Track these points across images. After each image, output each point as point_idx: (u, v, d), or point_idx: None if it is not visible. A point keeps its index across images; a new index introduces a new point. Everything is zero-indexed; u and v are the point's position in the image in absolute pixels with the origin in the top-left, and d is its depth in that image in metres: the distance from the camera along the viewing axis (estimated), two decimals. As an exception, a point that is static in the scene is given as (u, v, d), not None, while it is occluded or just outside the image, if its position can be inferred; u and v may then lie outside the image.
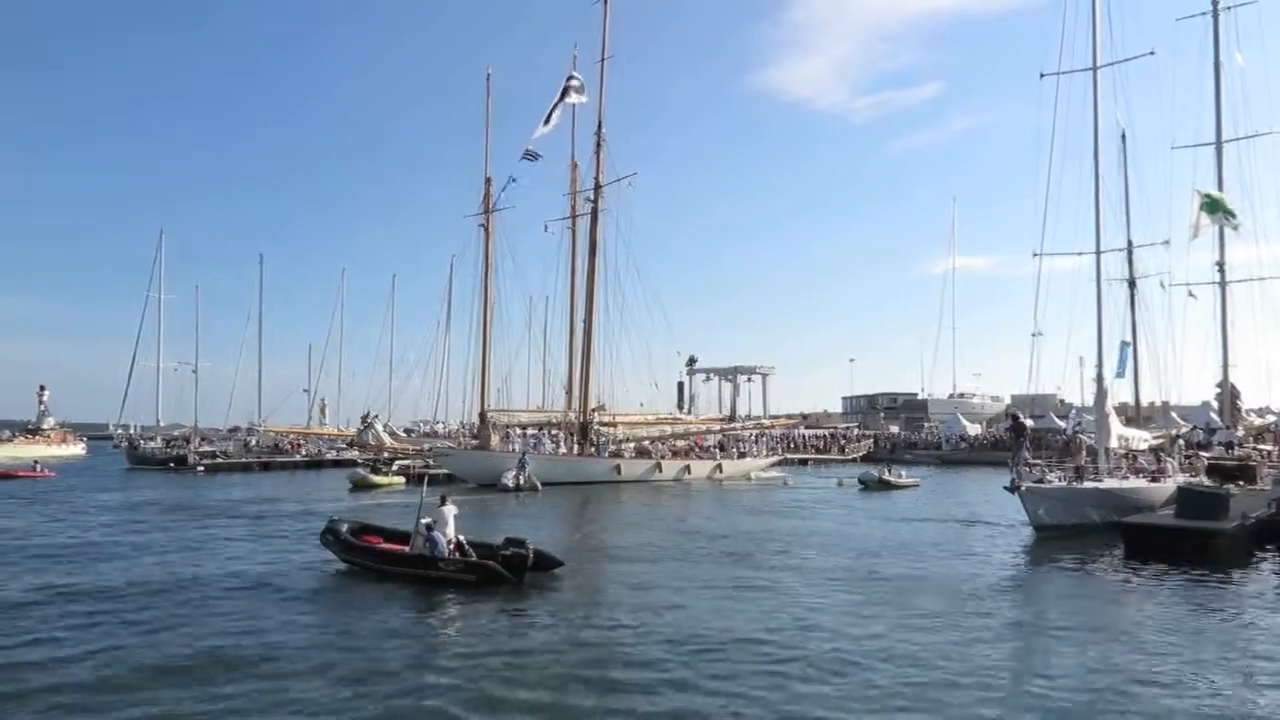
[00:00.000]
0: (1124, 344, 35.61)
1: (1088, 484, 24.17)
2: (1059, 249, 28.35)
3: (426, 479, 22.94)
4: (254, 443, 63.19)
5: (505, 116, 69.73)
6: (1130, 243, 37.25)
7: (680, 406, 71.63)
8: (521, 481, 38.53)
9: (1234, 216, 30.40)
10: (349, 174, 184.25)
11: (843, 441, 73.22)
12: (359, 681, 9.83)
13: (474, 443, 46.67)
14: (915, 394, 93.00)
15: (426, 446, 47.60)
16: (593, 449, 46.81)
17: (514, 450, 43.09)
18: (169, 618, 12.96)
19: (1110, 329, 29.41)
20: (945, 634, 12.06)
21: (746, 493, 40.01)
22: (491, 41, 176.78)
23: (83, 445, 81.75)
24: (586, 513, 31.10)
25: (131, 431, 66.65)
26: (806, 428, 75.06)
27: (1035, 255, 27.86)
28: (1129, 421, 36.47)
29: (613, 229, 48.10)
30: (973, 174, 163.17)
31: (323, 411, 71.63)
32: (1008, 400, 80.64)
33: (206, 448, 60.44)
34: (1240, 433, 34.78)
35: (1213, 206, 29.79)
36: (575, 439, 47.47)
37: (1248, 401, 39.46)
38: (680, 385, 78.86)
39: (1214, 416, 37.68)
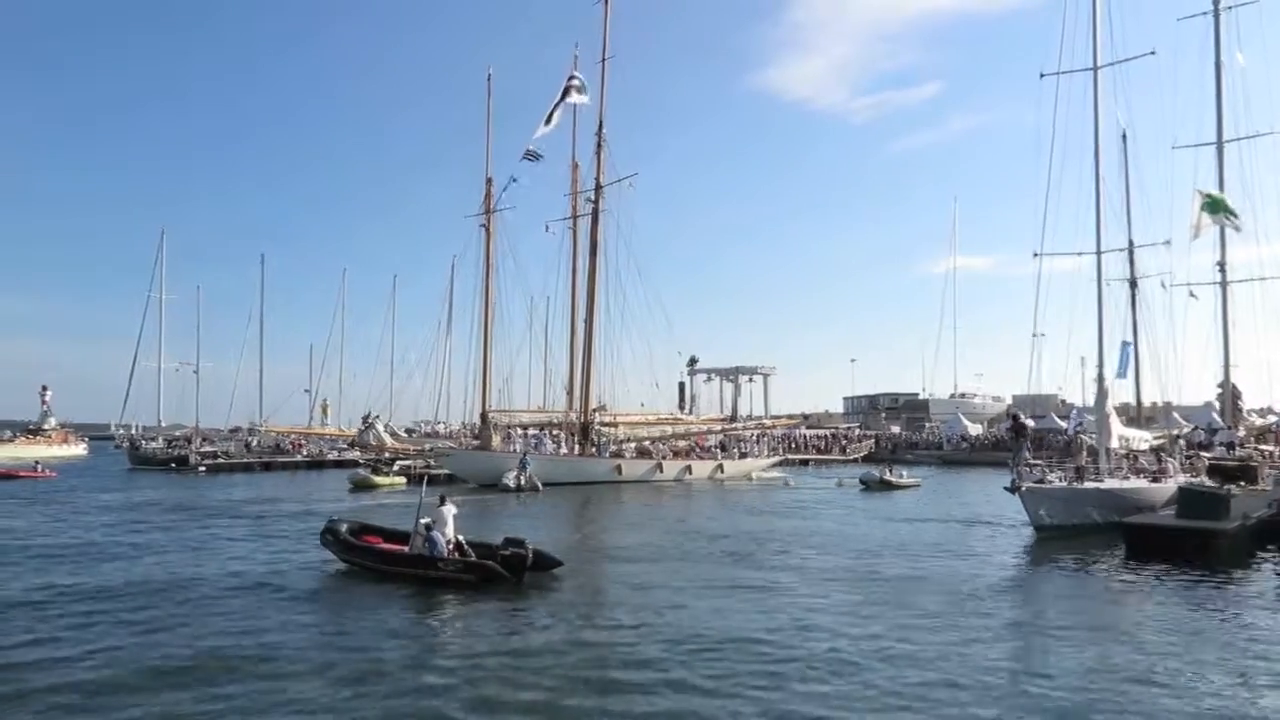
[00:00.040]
0: (1125, 344, 35.59)
1: (1088, 484, 24.15)
2: (1060, 249, 28.35)
3: (426, 479, 22.98)
4: (255, 443, 63.33)
5: (506, 116, 70.11)
6: (1131, 243, 37.24)
7: (681, 407, 71.62)
8: (522, 482, 38.55)
9: (1235, 216, 30.37)
10: (350, 174, 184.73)
11: (844, 442, 73.21)
12: (357, 682, 9.84)
13: (475, 443, 46.68)
14: (916, 394, 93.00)
15: (427, 447, 47.63)
16: (594, 449, 46.81)
17: (515, 450, 43.10)
18: (169, 617, 12.98)
19: (1111, 329, 29.42)
20: (945, 634, 12.05)
21: (747, 493, 39.99)
22: (492, 41, 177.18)
23: (84, 445, 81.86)
24: (587, 513, 31.10)
25: (133, 432, 66.74)
26: (808, 428, 75.07)
27: (1036, 255, 27.86)
28: (1130, 422, 36.46)
29: (614, 229, 48.20)
30: (973, 174, 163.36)
31: (324, 412, 71.76)
32: (1009, 400, 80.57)
33: (208, 448, 60.56)
34: (1241, 433, 34.74)
35: (1214, 206, 29.77)
36: (576, 439, 47.47)
37: (1249, 402, 39.47)
38: (681, 385, 78.93)
39: (1215, 417, 37.62)
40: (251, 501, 33.32)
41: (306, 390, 71.90)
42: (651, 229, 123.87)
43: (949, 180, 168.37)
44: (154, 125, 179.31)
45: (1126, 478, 25.74)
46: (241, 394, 68.31)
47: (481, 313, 47.89)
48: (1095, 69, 26.32)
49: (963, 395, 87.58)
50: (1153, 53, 27.28)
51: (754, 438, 58.13)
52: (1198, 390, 41.04)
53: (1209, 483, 23.78)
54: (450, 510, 16.31)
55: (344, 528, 17.49)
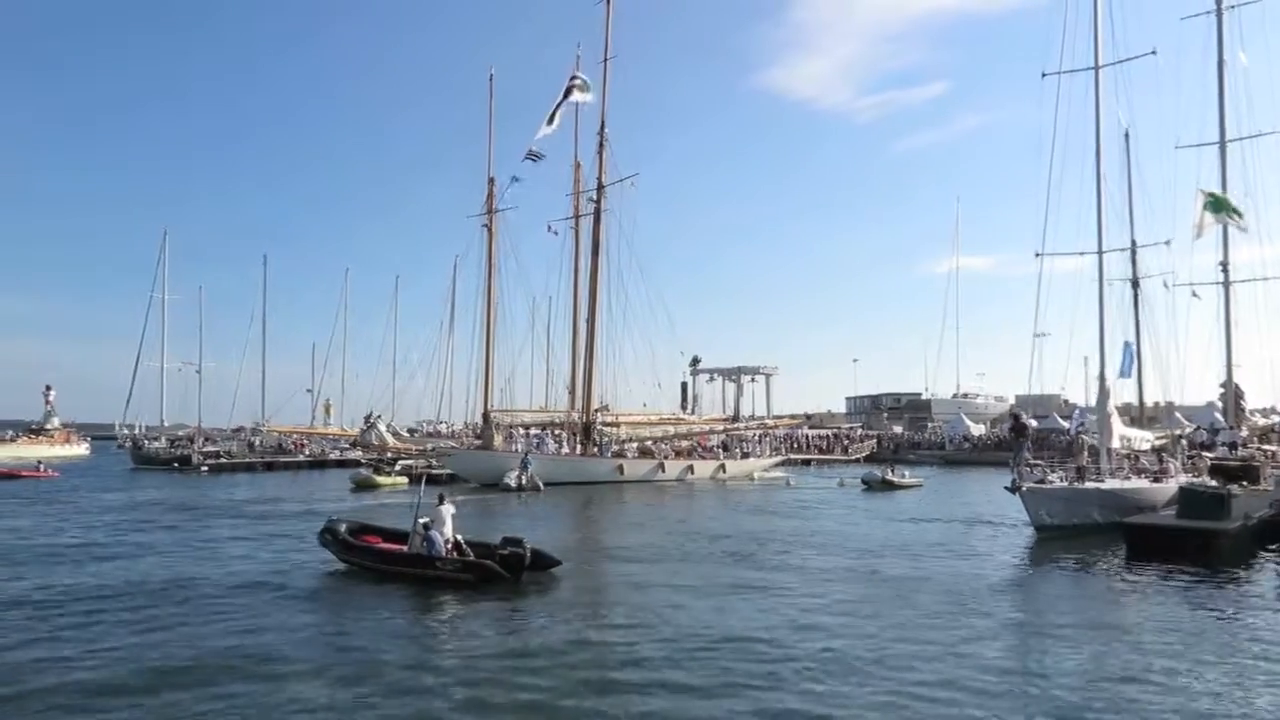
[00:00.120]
0: (1127, 344, 35.47)
1: (1089, 484, 24.12)
2: (1062, 249, 28.32)
3: (425, 478, 22.99)
4: (258, 443, 63.40)
5: (507, 116, 70.10)
6: (1134, 242, 37.11)
7: (684, 407, 71.70)
8: (524, 481, 38.59)
9: (1240, 215, 30.28)
10: (351, 174, 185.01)
11: (846, 442, 73.23)
12: (355, 682, 9.84)
13: (477, 443, 46.72)
14: (919, 394, 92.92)
15: (429, 446, 47.71)
16: (596, 449, 46.83)
17: (517, 450, 43.12)
18: (169, 617, 13.00)
19: (1113, 329, 29.33)
20: (945, 634, 12.03)
21: (749, 493, 40.00)
22: (493, 41, 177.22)
23: (86, 445, 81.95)
24: (588, 513, 31.10)
25: (136, 432, 66.86)
26: (810, 428, 75.07)
27: (1037, 255, 27.82)
28: (1133, 422, 36.36)
29: (615, 229, 48.22)
30: (976, 174, 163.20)
31: (328, 411, 71.84)
32: (1011, 400, 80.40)
33: (210, 448, 60.68)
34: (1244, 433, 34.62)
35: (1216, 205, 29.68)
36: (578, 439, 47.50)
37: (1252, 402, 39.31)
38: (684, 385, 78.98)
39: (1218, 417, 37.53)
40: (253, 501, 33.36)
41: (309, 390, 72.05)
42: (654, 229, 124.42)
43: (952, 180, 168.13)
44: (154, 125, 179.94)
45: (1128, 478, 25.71)
46: (244, 394, 68.58)
47: (484, 312, 48.02)
48: (1097, 68, 26.29)
49: (965, 395, 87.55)
50: (1153, 52, 27.23)
51: (756, 438, 58.15)
52: (1200, 390, 40.94)
53: (1211, 483, 23.73)
54: (448, 510, 16.32)
55: (343, 528, 17.50)
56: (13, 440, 76.78)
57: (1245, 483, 23.96)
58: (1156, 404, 42.16)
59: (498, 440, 45.14)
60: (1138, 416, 39.40)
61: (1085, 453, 27.49)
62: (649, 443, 49.64)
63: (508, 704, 9.20)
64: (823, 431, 76.66)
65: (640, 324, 48.24)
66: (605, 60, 47.77)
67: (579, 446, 47.06)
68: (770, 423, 66.93)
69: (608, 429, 48.55)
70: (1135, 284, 38.30)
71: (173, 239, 66.29)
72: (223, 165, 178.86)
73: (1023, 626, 12.98)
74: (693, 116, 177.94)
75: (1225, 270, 33.88)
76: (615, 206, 48.11)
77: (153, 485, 42.17)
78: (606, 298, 48.04)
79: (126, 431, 67.08)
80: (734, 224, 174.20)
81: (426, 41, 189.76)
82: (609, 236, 48.24)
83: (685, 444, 51.36)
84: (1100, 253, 26.67)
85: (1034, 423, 36.45)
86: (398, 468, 43.86)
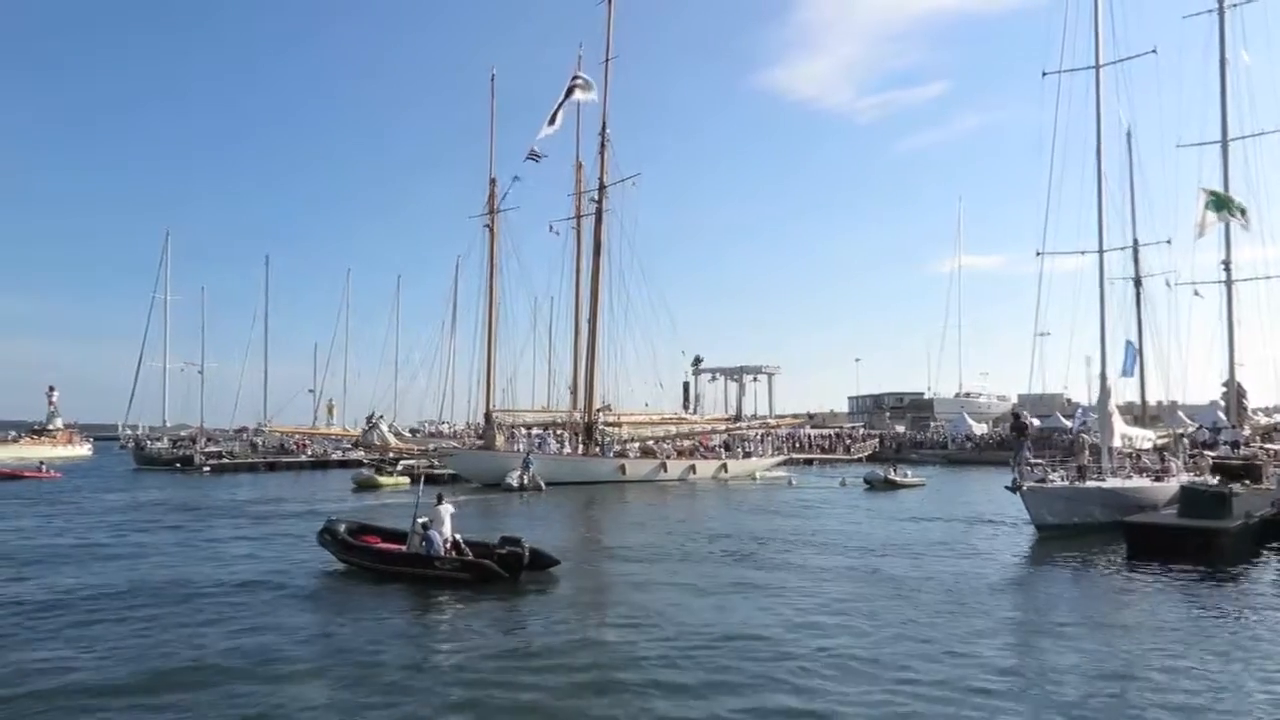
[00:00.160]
0: (1129, 343, 35.41)
1: (1090, 483, 24.08)
2: (1064, 248, 28.30)
3: (423, 478, 23.02)
4: (260, 443, 63.46)
5: (509, 116, 69.98)
6: (1136, 241, 37.00)
7: (686, 406, 71.66)
8: (526, 481, 38.59)
9: (1243, 213, 30.19)
10: (352, 174, 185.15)
11: (848, 441, 73.22)
12: (354, 682, 9.85)
13: (479, 443, 46.74)
14: (921, 394, 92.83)
15: (431, 447, 47.72)
16: (598, 449, 46.83)
17: (519, 450, 43.14)
18: (169, 617, 13.00)
19: (1115, 328, 29.31)
20: (946, 632, 12.02)
21: (751, 492, 39.97)
22: (494, 41, 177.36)
23: (89, 446, 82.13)
24: (589, 512, 31.09)
25: (138, 432, 66.97)
26: (812, 427, 75.06)
27: (1038, 254, 27.79)
28: (1136, 421, 36.30)
29: (617, 229, 48.24)
30: (979, 173, 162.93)
31: (330, 411, 71.91)
32: (1014, 399, 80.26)
33: (213, 448, 60.80)
34: (1247, 432, 34.55)
35: (1218, 204, 29.61)
36: (580, 439, 47.51)
37: (1254, 400, 39.15)
38: (686, 385, 78.95)
39: (1220, 415, 37.44)
40: (255, 502, 33.39)
41: (310, 390, 72.19)
42: (656, 228, 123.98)
43: (955, 180, 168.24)
44: (154, 125, 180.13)
45: (1129, 477, 25.67)
46: (246, 394, 68.70)
47: (486, 313, 48.03)
48: (1097, 67, 26.27)
49: (967, 395, 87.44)
50: (1154, 51, 27.20)
51: (758, 437, 58.19)
52: (1203, 389, 40.85)
53: (1212, 482, 23.68)
54: (447, 509, 16.32)
55: (342, 528, 17.52)
56: (15, 441, 76.96)
57: (1247, 481, 23.89)
58: (1159, 403, 42.05)
59: (500, 440, 45.17)
60: (1140, 415, 39.33)
61: (1086, 452, 27.42)
62: (651, 442, 49.63)
63: (505, 703, 9.18)
64: (825, 431, 76.67)
65: (642, 324, 48.37)
66: (607, 60, 47.87)
67: (581, 446, 47.07)
68: (772, 422, 66.98)
69: (610, 429, 48.56)
70: (1137, 283, 38.21)
71: (174, 239, 66.55)
72: (224, 165, 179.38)
73: (1023, 625, 12.96)
74: (694, 116, 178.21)
75: (1227, 269, 33.81)
76: (617, 206, 48.23)
77: (155, 486, 42.23)
78: (608, 297, 48.14)
79: (129, 432, 67.17)
80: (736, 224, 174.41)
81: (427, 41, 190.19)
82: (611, 236, 48.35)
83: (687, 444, 51.34)
84: (1101, 251, 26.65)
85: (1035, 422, 36.45)
86: (399, 468, 43.86)
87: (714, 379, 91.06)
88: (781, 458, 55.83)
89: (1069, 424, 56.18)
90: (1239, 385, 35.21)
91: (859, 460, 65.68)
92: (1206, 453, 30.23)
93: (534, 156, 46.67)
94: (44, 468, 49.60)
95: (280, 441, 62.52)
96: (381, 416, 48.76)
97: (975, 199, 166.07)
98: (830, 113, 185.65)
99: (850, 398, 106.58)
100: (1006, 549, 21.05)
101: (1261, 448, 31.18)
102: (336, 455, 59.99)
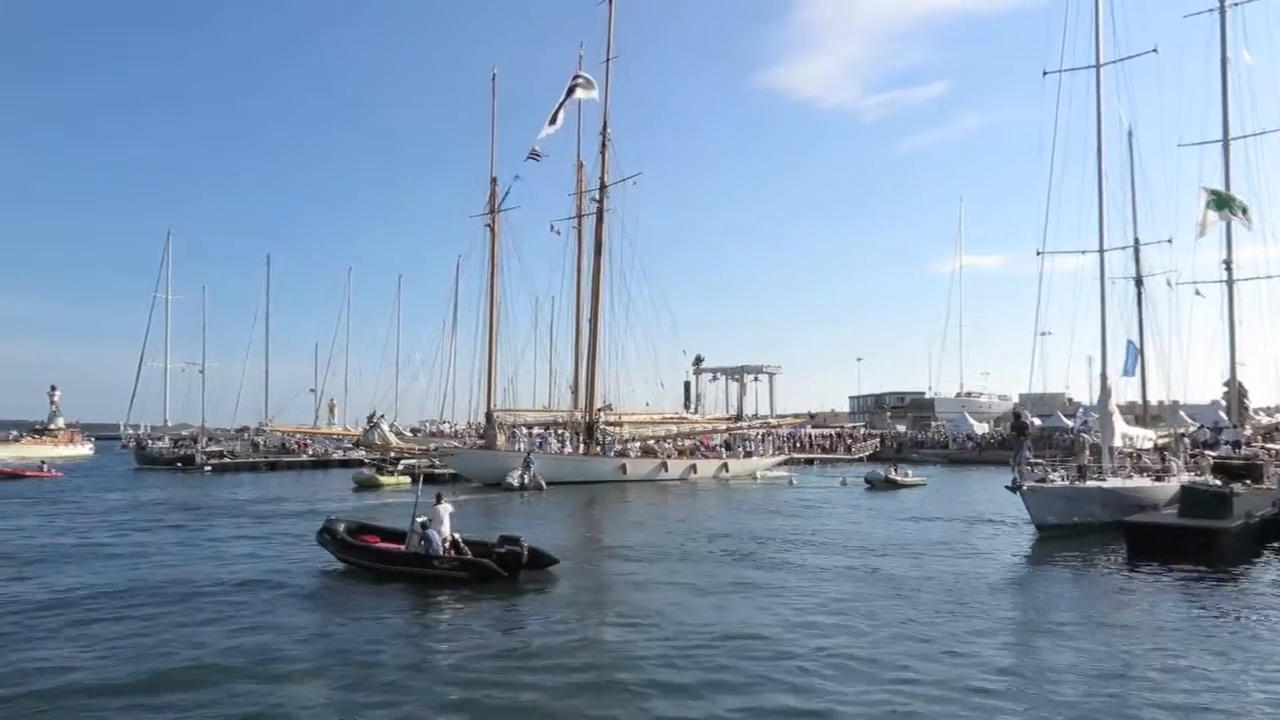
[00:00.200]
0: (1130, 343, 35.39)
1: (1090, 483, 24.05)
2: (1064, 247, 28.28)
3: (422, 477, 23.04)
4: (261, 443, 63.51)
5: (509, 116, 69.75)
6: (1137, 241, 36.96)
7: (687, 406, 71.69)
8: (527, 481, 38.59)
9: (1245, 211, 30.14)
10: (353, 174, 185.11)
11: (849, 441, 73.22)
12: (353, 682, 9.85)
13: (480, 442, 46.75)
14: (922, 393, 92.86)
15: (432, 446, 47.72)
16: (598, 448, 46.84)
17: (520, 450, 43.15)
18: (168, 617, 13.01)
19: (1116, 328, 29.28)
20: (945, 632, 12.01)
21: (752, 492, 39.96)
22: (494, 41, 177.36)
23: (90, 445, 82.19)
24: (590, 512, 31.09)
25: (140, 432, 67.01)
26: (813, 427, 75.03)
27: (1039, 254, 27.77)
28: (1137, 420, 36.28)
29: (618, 228, 48.23)
30: (980, 172, 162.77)
31: (332, 411, 71.96)
32: (1015, 399, 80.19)
33: (214, 447, 60.87)
34: (1248, 431, 34.52)
35: (1220, 203, 29.56)
36: (581, 438, 47.52)
37: (1256, 400, 39.12)
38: (687, 385, 78.97)
39: (1222, 415, 37.42)
40: (256, 501, 33.42)
41: (312, 390, 72.27)
42: (657, 228, 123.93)
43: (956, 179, 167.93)
44: (154, 125, 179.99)
45: (1130, 476, 25.65)
46: (247, 394, 68.84)
47: (486, 312, 48.01)
48: (1098, 66, 26.24)
49: (969, 394, 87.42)
50: (1154, 50, 27.16)
51: (759, 437, 58.18)
52: (1204, 389, 40.80)
53: (1214, 481, 23.65)
54: (446, 508, 16.32)
55: (341, 527, 17.53)
56: (17, 440, 77.03)
57: (1248, 481, 23.83)
58: (1160, 402, 42.00)
59: (500, 440, 45.20)
60: (1142, 415, 39.32)
61: (1087, 451, 27.42)
62: (652, 442, 49.63)
63: (503, 703, 9.19)
64: (826, 431, 76.66)
65: (643, 323, 48.34)
66: (608, 60, 47.84)
67: (582, 446, 47.08)
68: (773, 422, 66.97)
69: (610, 428, 48.55)
70: (1138, 282, 38.18)
71: (175, 239, 66.66)
72: (224, 165, 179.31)
73: (1023, 625, 12.96)
74: (695, 116, 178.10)
75: (1229, 268, 33.76)
76: (618, 206, 48.21)
77: (156, 485, 42.28)
78: (609, 297, 48.13)
79: (130, 431, 67.30)
80: (737, 223, 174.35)
81: (428, 41, 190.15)
82: (611, 236, 48.32)
83: (688, 443, 51.34)
84: (1101, 251, 26.62)
85: (1036, 421, 36.42)
86: (400, 468, 43.87)
87: (715, 379, 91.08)
88: (782, 457, 55.82)
89: (1070, 424, 56.21)
90: (1240, 385, 35.17)
91: (860, 460, 65.67)
92: (1207, 452, 30.20)
93: (535, 156, 46.71)
94: (45, 467, 49.64)
95: (281, 441, 62.56)
96: (382, 416, 48.73)
97: (976, 199, 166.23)
98: (832, 112, 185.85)
99: (851, 397, 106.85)
100: (1007, 549, 21.04)
101: (1263, 447, 31.14)
102: (337, 455, 60.02)
